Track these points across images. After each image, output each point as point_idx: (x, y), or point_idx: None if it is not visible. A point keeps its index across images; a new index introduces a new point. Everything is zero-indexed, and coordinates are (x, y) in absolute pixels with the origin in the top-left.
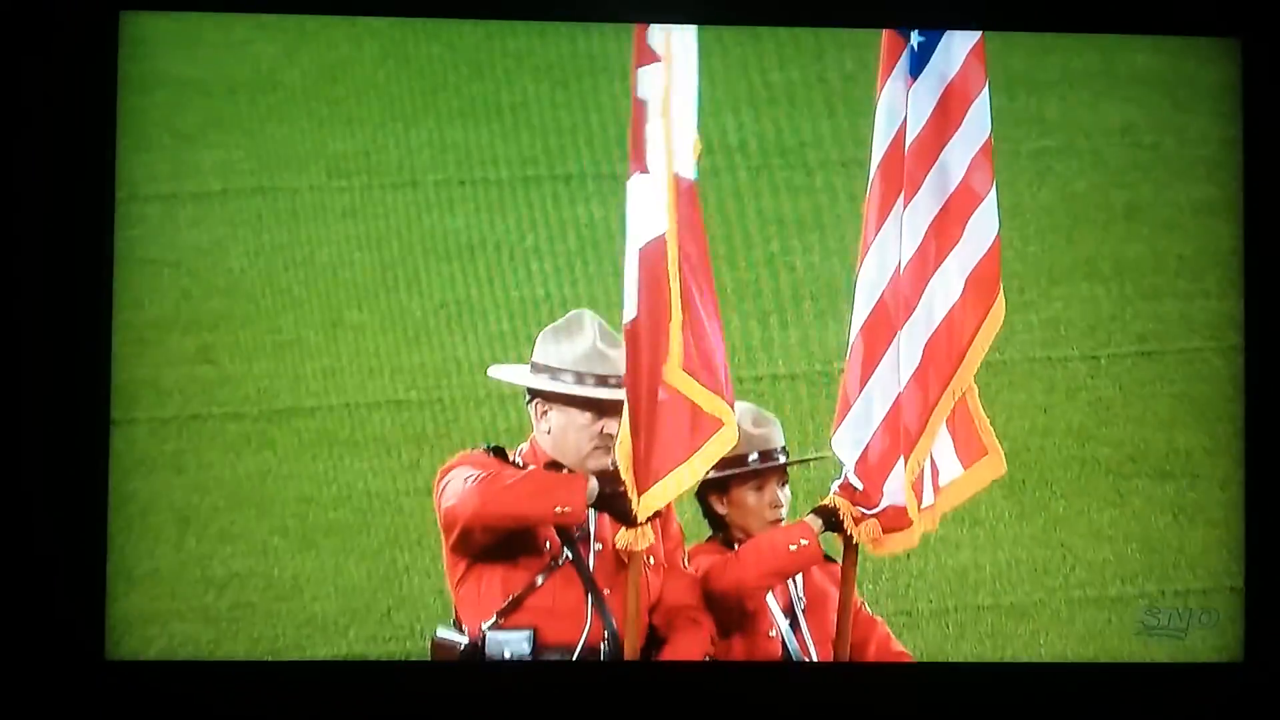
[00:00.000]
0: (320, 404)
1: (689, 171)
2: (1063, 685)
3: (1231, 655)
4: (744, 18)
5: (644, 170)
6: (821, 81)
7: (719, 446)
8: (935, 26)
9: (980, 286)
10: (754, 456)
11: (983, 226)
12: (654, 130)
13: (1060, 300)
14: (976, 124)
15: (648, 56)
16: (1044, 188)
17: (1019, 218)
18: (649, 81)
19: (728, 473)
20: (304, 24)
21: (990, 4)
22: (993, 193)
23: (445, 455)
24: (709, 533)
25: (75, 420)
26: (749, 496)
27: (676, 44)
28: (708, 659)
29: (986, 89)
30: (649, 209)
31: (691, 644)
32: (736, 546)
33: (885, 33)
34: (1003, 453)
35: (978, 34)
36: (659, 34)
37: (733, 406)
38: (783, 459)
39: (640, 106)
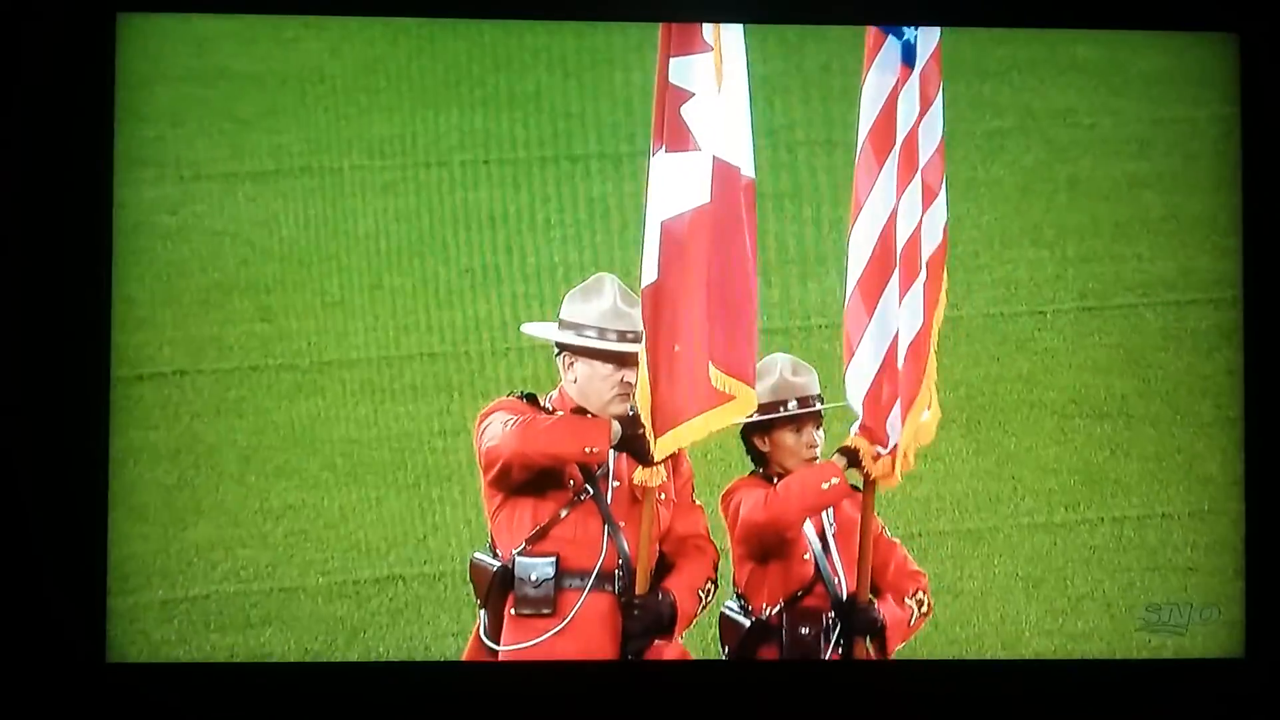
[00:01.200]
0: (362, 356)
1: (742, 162)
2: (1064, 681)
3: (1233, 652)
4: (737, 17)
5: (672, 149)
6: (799, 72)
7: (733, 412)
8: (928, 23)
9: (938, 267)
10: (792, 403)
11: (938, 215)
12: (693, 115)
13: (1010, 263)
14: (938, 122)
15: (694, 47)
16: (996, 163)
17: (975, 190)
18: (689, 70)
19: (769, 417)
20: (347, 24)
21: (976, 3)
22: (944, 188)
23: (471, 402)
24: (751, 469)
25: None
26: (788, 437)
27: (726, 38)
28: (709, 583)
29: (941, 91)
30: (673, 186)
31: (696, 570)
32: (776, 480)
33: (870, 29)
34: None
35: (938, 36)
36: (709, 27)
37: (753, 383)
38: (818, 405)
39: (675, 92)
